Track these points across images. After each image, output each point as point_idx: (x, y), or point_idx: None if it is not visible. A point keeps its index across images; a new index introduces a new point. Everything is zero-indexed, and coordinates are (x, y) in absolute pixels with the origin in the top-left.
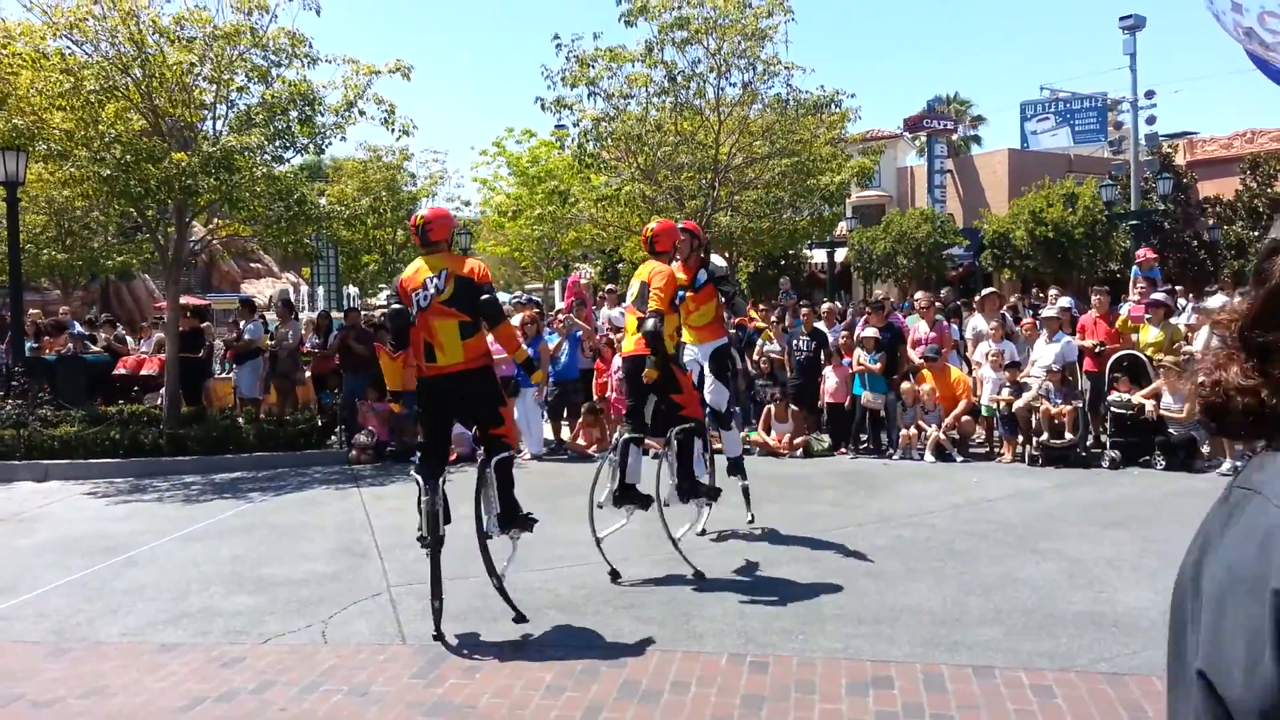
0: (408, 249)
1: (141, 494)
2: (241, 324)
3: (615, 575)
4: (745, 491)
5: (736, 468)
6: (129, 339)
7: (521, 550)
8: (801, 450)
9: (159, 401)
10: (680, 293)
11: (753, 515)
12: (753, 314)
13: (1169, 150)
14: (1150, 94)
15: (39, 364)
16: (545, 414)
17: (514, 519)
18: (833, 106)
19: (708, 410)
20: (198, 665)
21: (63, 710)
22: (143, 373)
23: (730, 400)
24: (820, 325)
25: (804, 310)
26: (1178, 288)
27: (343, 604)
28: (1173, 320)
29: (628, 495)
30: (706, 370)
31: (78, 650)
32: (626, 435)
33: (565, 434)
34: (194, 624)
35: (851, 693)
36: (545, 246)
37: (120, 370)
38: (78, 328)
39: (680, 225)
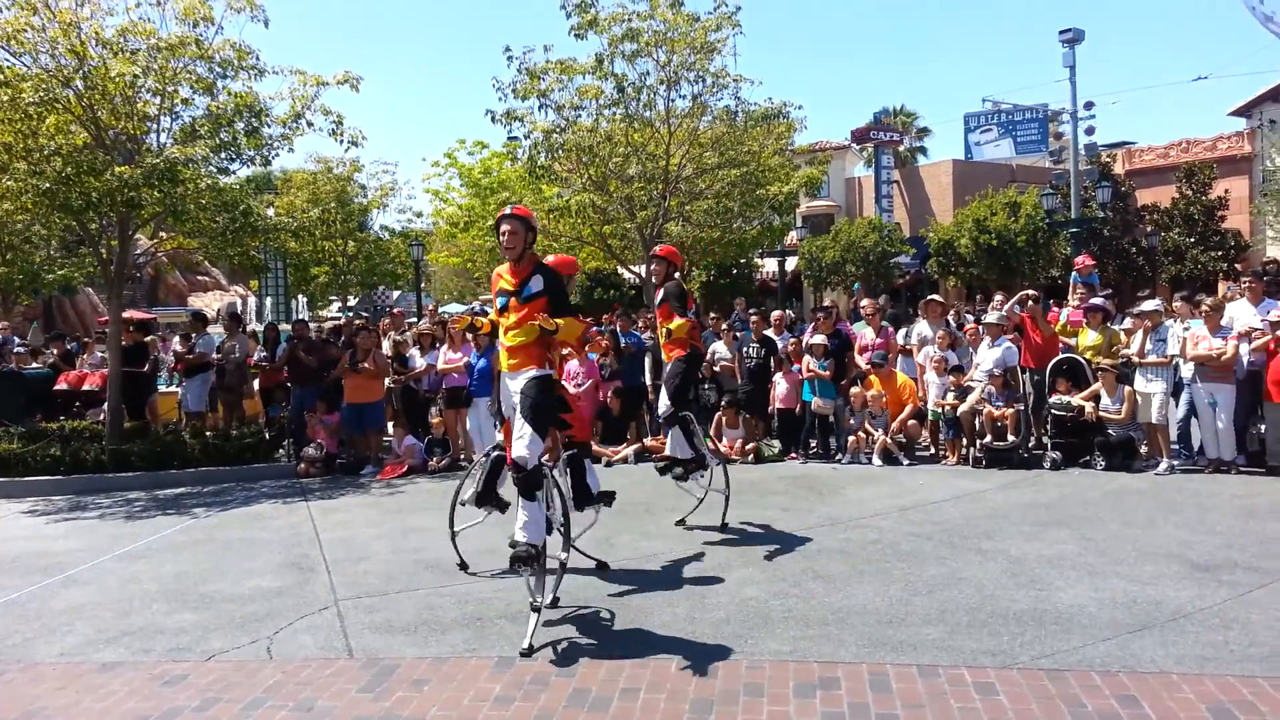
0: (358, 260)
1: (83, 511)
2: (193, 337)
3: (464, 566)
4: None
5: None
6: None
7: (473, 560)
8: (752, 456)
9: (101, 417)
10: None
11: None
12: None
13: (1108, 160)
14: (1089, 105)
15: None
16: (498, 424)
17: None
18: (780, 118)
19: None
20: (139, 684)
21: None
22: (85, 388)
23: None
24: (769, 333)
25: (754, 318)
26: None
27: (289, 619)
28: (1110, 325)
29: (489, 498)
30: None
31: (12, 672)
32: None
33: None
34: (136, 642)
35: (799, 694)
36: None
37: (61, 385)
38: (17, 344)
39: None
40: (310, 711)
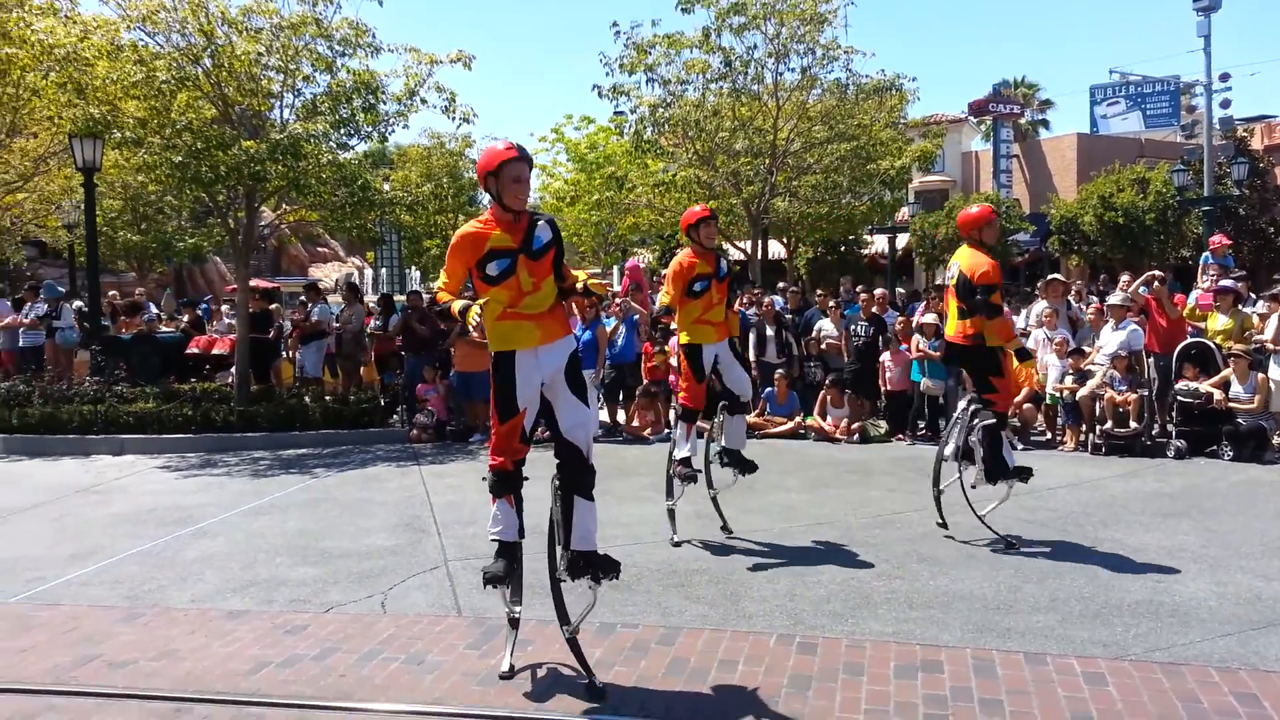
0: None
1: (212, 468)
2: (309, 306)
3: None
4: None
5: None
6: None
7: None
8: (858, 436)
9: (229, 380)
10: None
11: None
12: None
13: (1245, 134)
14: (1225, 77)
15: (115, 343)
16: (601, 397)
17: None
18: (893, 90)
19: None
20: (263, 632)
21: (135, 672)
22: (214, 352)
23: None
24: (875, 311)
25: (863, 296)
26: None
27: (402, 576)
28: (1242, 308)
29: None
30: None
31: (149, 615)
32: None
33: (620, 417)
34: (260, 592)
35: (900, 675)
36: (603, 232)
37: (193, 350)
38: (153, 309)
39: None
40: (421, 664)
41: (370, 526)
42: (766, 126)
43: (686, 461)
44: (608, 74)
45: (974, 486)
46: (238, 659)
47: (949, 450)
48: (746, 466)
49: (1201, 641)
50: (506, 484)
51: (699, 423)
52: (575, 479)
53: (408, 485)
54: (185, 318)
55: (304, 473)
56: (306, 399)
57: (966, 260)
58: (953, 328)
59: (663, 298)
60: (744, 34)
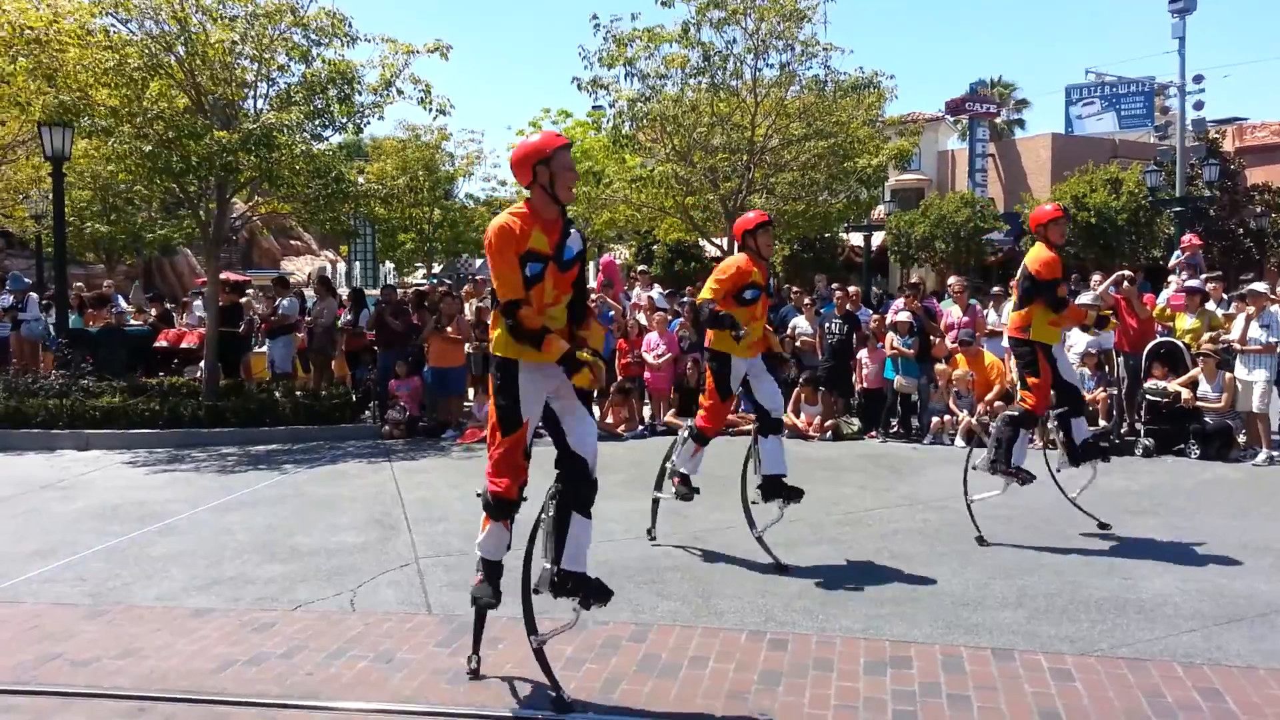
0: (444, 227)
1: (180, 464)
2: (276, 300)
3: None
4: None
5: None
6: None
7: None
8: (830, 433)
9: (198, 374)
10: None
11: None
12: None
13: (1217, 136)
14: (1199, 79)
15: (82, 335)
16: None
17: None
18: (871, 88)
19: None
20: (229, 630)
21: (99, 670)
22: (183, 345)
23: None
24: (849, 308)
25: (838, 294)
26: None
27: (371, 574)
28: (1210, 307)
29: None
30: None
31: (114, 613)
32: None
33: (595, 413)
34: (227, 590)
35: (869, 671)
36: (580, 227)
37: (161, 343)
38: (121, 302)
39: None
40: (390, 663)
41: (340, 523)
42: (744, 123)
43: (686, 480)
44: (586, 67)
45: (974, 468)
46: (203, 657)
47: (980, 461)
48: (792, 494)
49: (1166, 637)
50: (507, 511)
51: (673, 417)
52: (578, 494)
53: (379, 481)
54: (154, 311)
55: (273, 469)
56: (277, 394)
57: (1032, 255)
58: (1011, 320)
59: (706, 293)
60: (724, 29)
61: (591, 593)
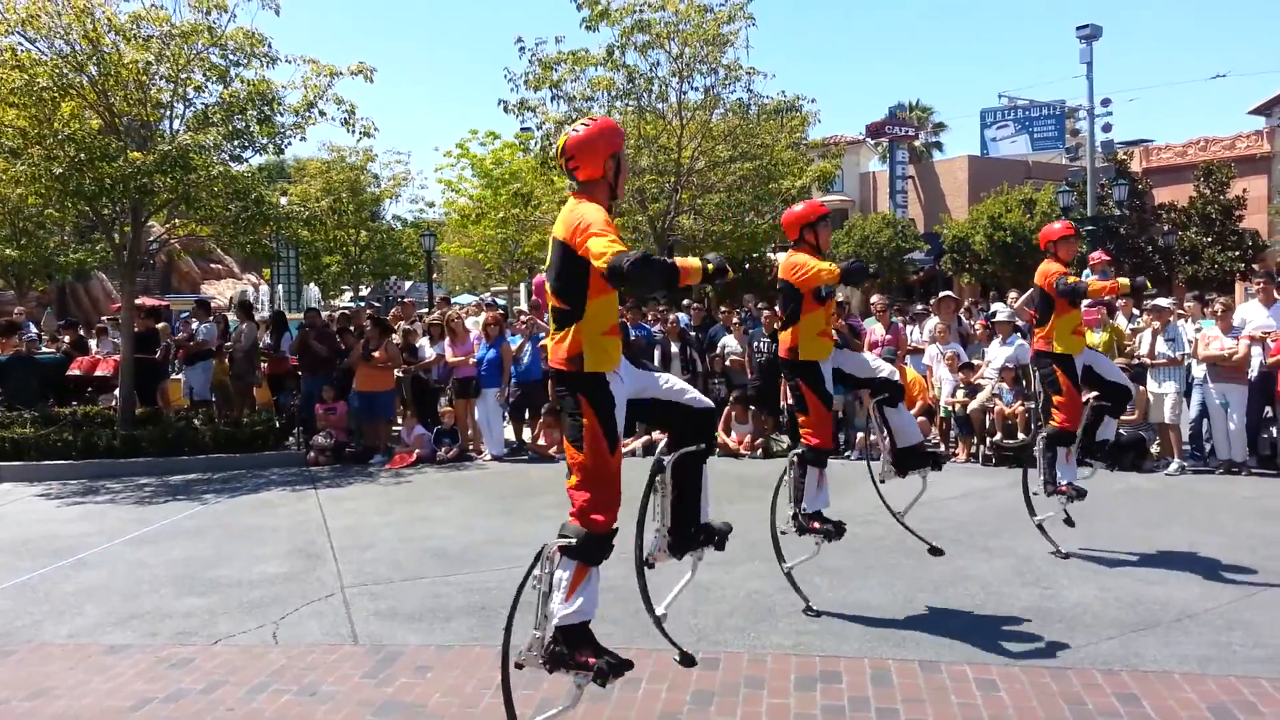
0: (370, 249)
1: (94, 495)
2: (195, 324)
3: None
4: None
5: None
6: (91, 342)
7: (476, 552)
8: (761, 451)
9: (113, 403)
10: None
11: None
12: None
13: (1125, 157)
14: (1106, 102)
15: None
16: (507, 415)
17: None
18: (793, 111)
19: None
20: (146, 666)
21: (6, 712)
22: (97, 373)
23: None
24: (777, 328)
25: (765, 313)
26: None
27: (295, 605)
28: (1115, 322)
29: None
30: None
31: (23, 652)
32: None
33: (527, 435)
34: (143, 625)
35: (799, 688)
36: (509, 249)
37: (74, 371)
38: (32, 329)
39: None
40: (314, 696)
41: (262, 554)
42: (671, 145)
43: (820, 517)
44: (513, 89)
45: (1035, 494)
46: (118, 695)
47: (1039, 484)
48: (938, 462)
49: (1087, 645)
50: (608, 549)
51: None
52: (712, 443)
53: (303, 510)
54: (66, 338)
55: (192, 499)
56: (196, 422)
57: (1042, 270)
58: (1036, 335)
59: (811, 279)
60: (648, 52)
61: (718, 533)
